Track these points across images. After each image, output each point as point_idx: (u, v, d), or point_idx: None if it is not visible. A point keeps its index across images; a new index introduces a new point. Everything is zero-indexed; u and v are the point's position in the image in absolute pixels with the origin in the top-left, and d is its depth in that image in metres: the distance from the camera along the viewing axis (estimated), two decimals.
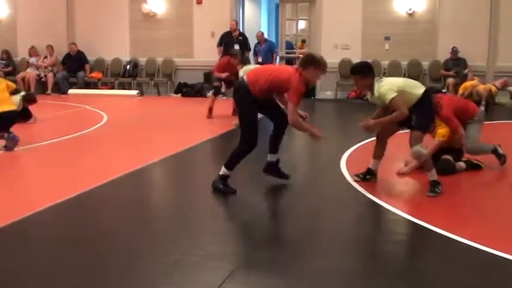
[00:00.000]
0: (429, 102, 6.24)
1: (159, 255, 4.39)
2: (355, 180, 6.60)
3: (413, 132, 6.12)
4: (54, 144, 9.07)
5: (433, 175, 6.13)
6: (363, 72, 6.23)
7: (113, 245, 4.67)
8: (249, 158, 6.18)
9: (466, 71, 14.47)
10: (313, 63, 5.96)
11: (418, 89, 6.18)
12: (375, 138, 6.71)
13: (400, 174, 7.01)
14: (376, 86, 6.14)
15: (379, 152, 6.62)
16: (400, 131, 6.63)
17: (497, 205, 6.01)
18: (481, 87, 13.42)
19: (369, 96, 6.40)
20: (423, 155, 6.09)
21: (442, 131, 7.05)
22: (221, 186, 6.15)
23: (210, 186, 6.19)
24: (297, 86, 5.86)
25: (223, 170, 6.16)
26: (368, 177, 6.62)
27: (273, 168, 6.59)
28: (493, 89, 13.69)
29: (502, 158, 7.30)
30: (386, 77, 14.01)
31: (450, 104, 7.16)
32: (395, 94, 5.99)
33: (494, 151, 7.30)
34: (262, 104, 6.12)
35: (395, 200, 6.07)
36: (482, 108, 7.58)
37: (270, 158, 6.55)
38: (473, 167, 7.23)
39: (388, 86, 6.05)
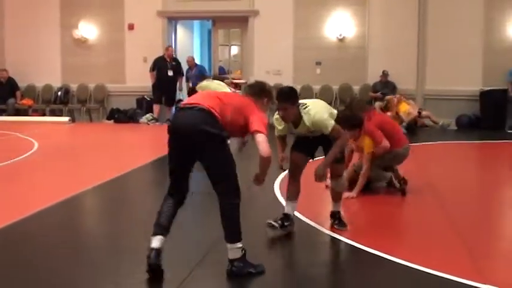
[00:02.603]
0: None
1: (88, 286, 4.34)
2: (270, 226, 5.63)
3: (337, 164, 5.62)
4: None
5: (339, 206, 5.89)
6: (293, 100, 5.33)
7: (41, 276, 4.59)
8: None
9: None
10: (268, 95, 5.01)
11: (333, 110, 5.67)
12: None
13: (349, 198, 6.90)
14: (305, 114, 5.35)
15: (295, 191, 5.76)
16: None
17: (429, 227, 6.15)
18: (403, 111, 13.89)
19: (289, 125, 5.56)
20: (345, 185, 6.01)
21: (367, 142, 7.12)
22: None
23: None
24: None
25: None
26: (286, 223, 5.64)
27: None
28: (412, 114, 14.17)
29: (401, 190, 7.28)
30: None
31: (380, 122, 7.22)
32: (333, 120, 5.37)
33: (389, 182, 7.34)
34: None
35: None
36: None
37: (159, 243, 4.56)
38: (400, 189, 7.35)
39: (323, 114, 5.35)
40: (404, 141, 7.43)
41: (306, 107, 5.38)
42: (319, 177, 5.48)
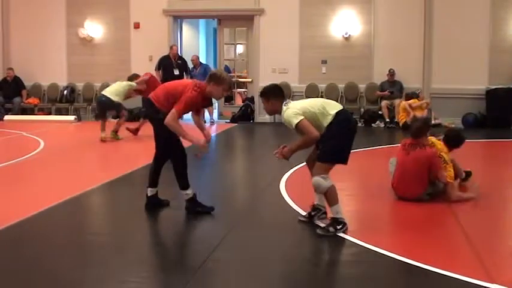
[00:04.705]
0: (339, 127, 5.56)
1: (95, 285, 4.33)
2: (301, 221, 6.03)
3: (317, 162, 5.59)
4: None
5: (335, 211, 5.54)
6: (266, 95, 5.88)
7: (46, 276, 4.58)
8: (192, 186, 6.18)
9: (418, 91, 14.74)
10: (214, 79, 6.10)
11: (330, 109, 5.62)
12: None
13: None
14: (283, 111, 5.69)
15: None
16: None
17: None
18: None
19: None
20: (323, 186, 5.50)
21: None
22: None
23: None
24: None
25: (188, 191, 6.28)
26: (313, 213, 6.00)
27: (193, 205, 6.30)
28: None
29: None
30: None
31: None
32: (301, 118, 5.49)
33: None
34: None
35: None
36: None
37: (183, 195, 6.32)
38: None
39: (292, 110, 5.57)
40: (392, 183, 7.13)
41: (287, 103, 5.74)
42: (281, 156, 5.73)
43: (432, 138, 7.20)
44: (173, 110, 5.89)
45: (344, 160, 5.61)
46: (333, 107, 5.64)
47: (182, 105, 5.91)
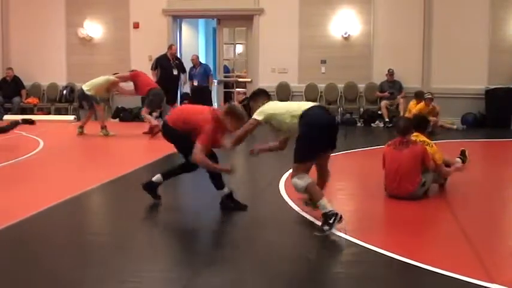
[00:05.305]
0: (307, 128, 5.83)
1: (95, 285, 4.33)
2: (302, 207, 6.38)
3: (293, 164, 5.89)
4: None
5: (322, 206, 5.59)
6: (255, 96, 6.53)
7: (46, 276, 4.57)
8: (192, 186, 6.18)
9: (428, 95, 14.47)
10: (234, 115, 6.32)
11: (299, 110, 5.92)
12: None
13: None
14: None
15: (320, 182, 6.20)
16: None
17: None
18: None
19: None
20: (299, 186, 5.75)
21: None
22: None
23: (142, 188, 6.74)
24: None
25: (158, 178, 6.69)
26: (309, 202, 6.25)
27: (225, 202, 6.46)
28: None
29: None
30: (322, 100, 14.11)
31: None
32: (257, 118, 6.07)
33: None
34: None
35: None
36: None
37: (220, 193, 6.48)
38: None
39: (261, 109, 6.13)
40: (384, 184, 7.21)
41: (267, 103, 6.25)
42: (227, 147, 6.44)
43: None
44: (198, 145, 6.09)
45: (313, 159, 5.96)
46: (302, 108, 5.95)
47: (205, 137, 6.13)
